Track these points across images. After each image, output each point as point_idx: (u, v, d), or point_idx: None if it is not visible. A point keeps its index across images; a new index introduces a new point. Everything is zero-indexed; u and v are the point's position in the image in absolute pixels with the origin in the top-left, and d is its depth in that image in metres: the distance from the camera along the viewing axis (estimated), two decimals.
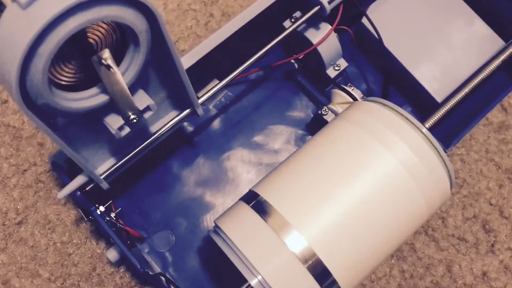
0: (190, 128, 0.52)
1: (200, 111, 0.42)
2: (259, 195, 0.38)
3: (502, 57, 0.48)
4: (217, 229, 0.39)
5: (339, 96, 0.48)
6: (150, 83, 0.38)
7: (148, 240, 0.48)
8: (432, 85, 0.49)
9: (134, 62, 0.33)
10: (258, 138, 0.52)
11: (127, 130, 0.37)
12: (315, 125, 0.50)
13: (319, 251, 0.35)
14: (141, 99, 0.36)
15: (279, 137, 0.52)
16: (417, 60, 0.50)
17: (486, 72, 0.47)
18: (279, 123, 0.52)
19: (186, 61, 0.43)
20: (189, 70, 0.43)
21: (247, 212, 0.38)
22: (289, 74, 0.53)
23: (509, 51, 0.48)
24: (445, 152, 0.40)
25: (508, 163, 0.53)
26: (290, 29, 0.45)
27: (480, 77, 0.47)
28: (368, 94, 0.53)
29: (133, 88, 0.36)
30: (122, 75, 0.33)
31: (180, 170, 0.50)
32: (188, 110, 0.42)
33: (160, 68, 0.37)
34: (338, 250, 0.36)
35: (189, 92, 0.40)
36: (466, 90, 0.46)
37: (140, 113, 0.36)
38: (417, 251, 0.50)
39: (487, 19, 0.53)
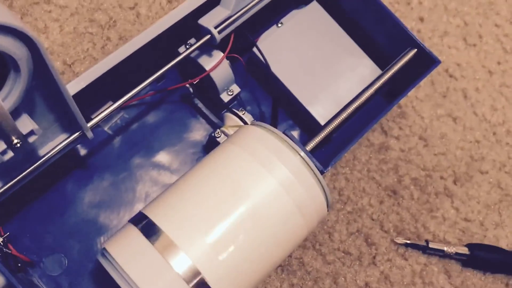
0: (84, 151, 0.51)
1: (89, 134, 0.43)
2: (147, 217, 0.39)
3: (379, 83, 0.52)
4: (105, 253, 0.39)
5: (231, 119, 0.50)
6: (35, 107, 0.38)
7: (39, 264, 0.47)
8: (316, 109, 0.53)
9: (15, 87, 0.33)
10: (155, 159, 0.52)
11: (10, 154, 0.37)
12: (210, 146, 0.52)
13: (204, 270, 0.37)
14: (25, 124, 0.36)
15: (176, 158, 0.53)
16: (303, 85, 0.54)
17: (366, 96, 0.51)
18: (176, 144, 0.53)
19: (78, 83, 0.43)
20: (81, 93, 0.43)
21: (134, 235, 0.39)
22: (186, 98, 0.55)
23: (384, 78, 0.52)
24: (323, 172, 0.43)
25: (387, 181, 0.57)
26: (183, 55, 0.47)
27: (359, 101, 0.50)
28: (260, 117, 0.55)
29: (17, 112, 0.36)
30: (3, 100, 0.33)
31: (74, 192, 0.50)
32: (77, 134, 0.42)
33: (45, 93, 0.38)
34: (222, 268, 0.38)
35: (76, 116, 0.40)
36: (348, 112, 0.50)
37: (23, 137, 0.36)
38: (306, 265, 0.53)
39: (369, 52, 0.58)
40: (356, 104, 0.52)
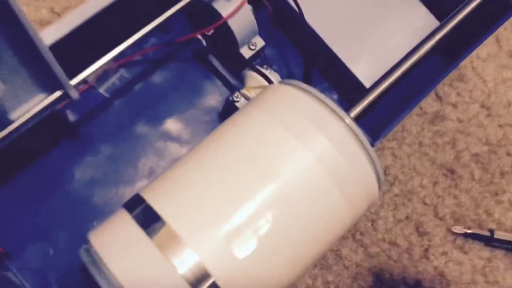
0: (74, 117, 0.43)
1: (74, 94, 0.34)
2: (145, 201, 0.30)
3: (437, 37, 0.42)
4: (89, 246, 0.31)
5: (253, 79, 0.41)
6: (2, 62, 0.30)
7: (19, 255, 0.39)
8: (360, 69, 0.44)
9: None
10: (161, 129, 0.44)
11: None
12: (227, 113, 0.43)
13: (216, 272, 0.28)
14: None
15: (187, 127, 0.45)
16: (344, 40, 0.45)
17: (420, 53, 0.42)
18: (187, 111, 0.45)
19: (59, 29, 0.35)
20: (65, 42, 0.35)
21: (127, 224, 0.30)
22: (198, 54, 0.45)
23: (443, 31, 0.42)
24: (373, 145, 0.34)
25: (443, 157, 0.48)
26: None
27: (412, 60, 0.41)
28: (289, 78, 0.46)
29: None
30: None
31: (62, 167, 0.42)
32: (57, 93, 0.33)
33: (14, 44, 0.30)
34: (241, 269, 0.29)
35: (54, 69, 0.31)
36: (398, 73, 0.41)
37: None
38: (344, 258, 0.44)
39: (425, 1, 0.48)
40: (408, 63, 0.43)
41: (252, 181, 0.30)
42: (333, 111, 0.32)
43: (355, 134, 0.32)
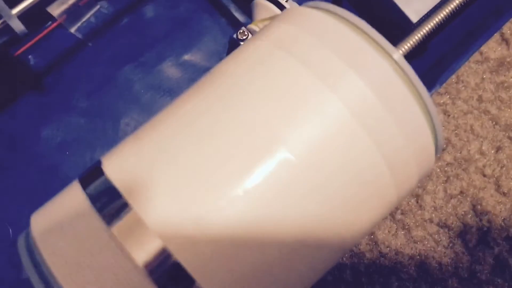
0: (41, 63, 0.36)
1: (17, 25, 0.26)
2: (103, 173, 0.22)
3: None
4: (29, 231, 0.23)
5: (264, 9, 0.31)
6: None
7: None
8: None
9: None
10: (149, 78, 0.36)
11: None
12: None
13: (196, 273, 0.19)
14: None
15: (181, 76, 0.37)
16: None
17: None
18: (181, 55, 0.38)
19: None
20: None
21: (79, 204, 0.22)
22: None
23: None
24: (430, 93, 0.24)
25: (509, 116, 0.39)
26: None
27: None
28: None
29: None
30: None
31: (25, 128, 0.35)
32: None
33: None
34: (240, 268, 0.20)
35: None
36: (452, 6, 0.33)
37: None
38: (380, 243, 0.36)
39: None
40: None
41: (258, 142, 0.21)
42: (376, 43, 0.22)
43: (407, 77, 0.22)
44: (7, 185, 0.33)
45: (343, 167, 0.21)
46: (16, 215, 0.33)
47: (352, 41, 0.23)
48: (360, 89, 0.22)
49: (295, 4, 0.32)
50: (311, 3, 0.25)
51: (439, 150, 0.25)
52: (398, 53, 0.22)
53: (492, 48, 0.40)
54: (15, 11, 0.26)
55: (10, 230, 0.33)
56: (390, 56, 0.22)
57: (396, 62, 0.22)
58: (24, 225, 0.33)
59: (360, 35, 0.23)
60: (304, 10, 0.24)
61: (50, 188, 0.33)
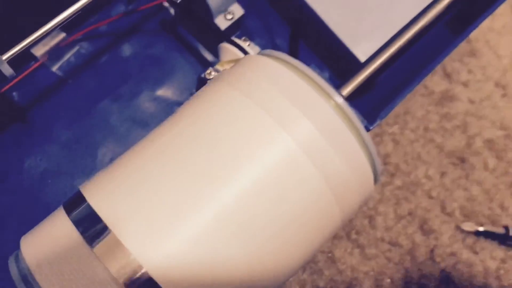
0: (24, 99, 0.38)
1: (6, 69, 0.29)
2: (85, 200, 0.25)
3: (443, 3, 0.36)
4: (19, 253, 0.25)
5: (229, 53, 0.35)
6: None
7: None
8: (354, 41, 0.38)
9: None
10: (123, 113, 0.39)
11: None
12: None
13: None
14: None
15: (154, 110, 0.39)
16: (334, 5, 0.39)
17: (423, 22, 0.36)
18: (154, 91, 0.39)
19: None
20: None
21: (64, 228, 0.25)
22: (167, 25, 0.39)
23: None
24: (368, 130, 0.28)
25: (452, 144, 0.43)
26: None
27: (415, 29, 0.36)
28: None
29: None
30: None
31: (9, 158, 0.37)
32: None
33: None
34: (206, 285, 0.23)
35: None
36: (398, 45, 0.35)
37: None
38: (337, 261, 0.39)
39: None
40: (411, 33, 0.37)
41: (217, 175, 0.24)
42: (320, 88, 0.26)
43: (346, 116, 0.26)
44: None
45: (296, 194, 0.25)
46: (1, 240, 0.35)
47: (300, 87, 0.26)
48: (307, 128, 0.25)
49: (258, 49, 0.36)
50: (267, 51, 0.29)
51: (378, 178, 0.29)
52: (339, 97, 0.26)
53: (436, 82, 0.44)
54: (5, 56, 0.29)
55: None
56: (332, 98, 0.26)
57: (337, 103, 0.26)
58: (6, 250, 0.35)
59: (308, 81, 0.26)
60: (260, 58, 0.28)
61: (32, 214, 0.35)
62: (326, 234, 0.27)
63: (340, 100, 0.26)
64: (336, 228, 0.28)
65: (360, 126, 0.26)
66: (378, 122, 0.33)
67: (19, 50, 0.29)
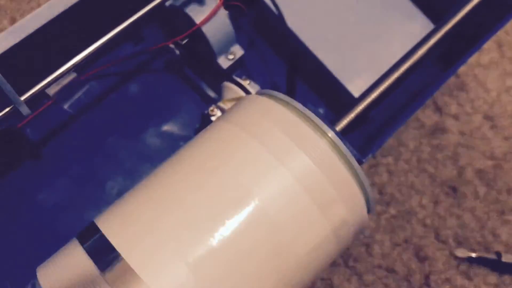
0: (37, 135, 0.39)
1: (24, 110, 0.30)
2: (100, 231, 0.26)
3: (432, 40, 0.39)
4: (36, 282, 0.27)
5: (230, 91, 0.37)
6: None
7: None
8: (349, 78, 0.40)
9: None
10: (131, 148, 0.40)
11: None
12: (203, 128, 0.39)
13: None
14: None
15: (160, 145, 0.41)
16: (331, 46, 0.41)
17: (414, 59, 0.38)
18: (160, 127, 0.41)
19: (5, 38, 0.31)
20: (15, 52, 0.32)
21: (78, 257, 0.26)
22: (172, 65, 0.42)
23: (440, 34, 0.38)
24: (362, 162, 0.30)
25: (444, 174, 0.44)
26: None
27: (405, 66, 0.38)
28: (271, 89, 0.42)
29: None
30: None
31: (23, 192, 0.38)
32: (7, 110, 0.30)
33: None
34: None
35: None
36: (390, 81, 0.37)
37: None
38: None
39: (420, 3, 0.45)
40: (402, 70, 0.40)
41: (220, 207, 0.26)
42: (314, 124, 0.28)
43: (340, 150, 0.28)
44: (6, 244, 0.36)
45: (293, 225, 0.26)
46: (14, 271, 0.36)
47: (296, 123, 0.28)
48: (304, 162, 0.27)
49: (257, 87, 0.38)
50: (263, 90, 0.31)
51: (371, 209, 0.30)
52: (331, 132, 0.28)
53: (428, 115, 0.46)
54: (23, 97, 0.31)
55: (9, 285, 0.36)
56: (326, 134, 0.28)
57: (331, 139, 0.28)
58: (20, 280, 0.37)
59: (302, 118, 0.28)
60: (258, 98, 0.30)
61: (45, 245, 0.37)
62: (322, 264, 0.29)
63: (333, 135, 0.28)
64: (332, 258, 0.29)
65: (352, 159, 0.28)
66: (371, 154, 0.35)
67: (36, 91, 0.31)
